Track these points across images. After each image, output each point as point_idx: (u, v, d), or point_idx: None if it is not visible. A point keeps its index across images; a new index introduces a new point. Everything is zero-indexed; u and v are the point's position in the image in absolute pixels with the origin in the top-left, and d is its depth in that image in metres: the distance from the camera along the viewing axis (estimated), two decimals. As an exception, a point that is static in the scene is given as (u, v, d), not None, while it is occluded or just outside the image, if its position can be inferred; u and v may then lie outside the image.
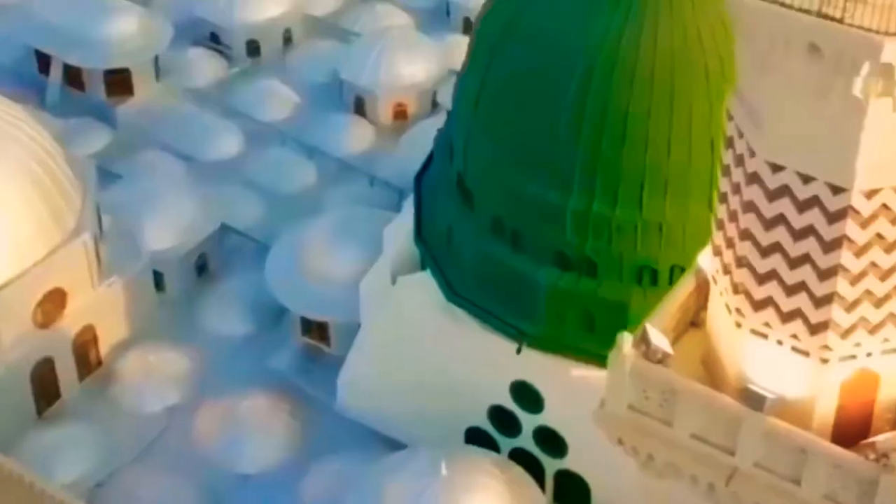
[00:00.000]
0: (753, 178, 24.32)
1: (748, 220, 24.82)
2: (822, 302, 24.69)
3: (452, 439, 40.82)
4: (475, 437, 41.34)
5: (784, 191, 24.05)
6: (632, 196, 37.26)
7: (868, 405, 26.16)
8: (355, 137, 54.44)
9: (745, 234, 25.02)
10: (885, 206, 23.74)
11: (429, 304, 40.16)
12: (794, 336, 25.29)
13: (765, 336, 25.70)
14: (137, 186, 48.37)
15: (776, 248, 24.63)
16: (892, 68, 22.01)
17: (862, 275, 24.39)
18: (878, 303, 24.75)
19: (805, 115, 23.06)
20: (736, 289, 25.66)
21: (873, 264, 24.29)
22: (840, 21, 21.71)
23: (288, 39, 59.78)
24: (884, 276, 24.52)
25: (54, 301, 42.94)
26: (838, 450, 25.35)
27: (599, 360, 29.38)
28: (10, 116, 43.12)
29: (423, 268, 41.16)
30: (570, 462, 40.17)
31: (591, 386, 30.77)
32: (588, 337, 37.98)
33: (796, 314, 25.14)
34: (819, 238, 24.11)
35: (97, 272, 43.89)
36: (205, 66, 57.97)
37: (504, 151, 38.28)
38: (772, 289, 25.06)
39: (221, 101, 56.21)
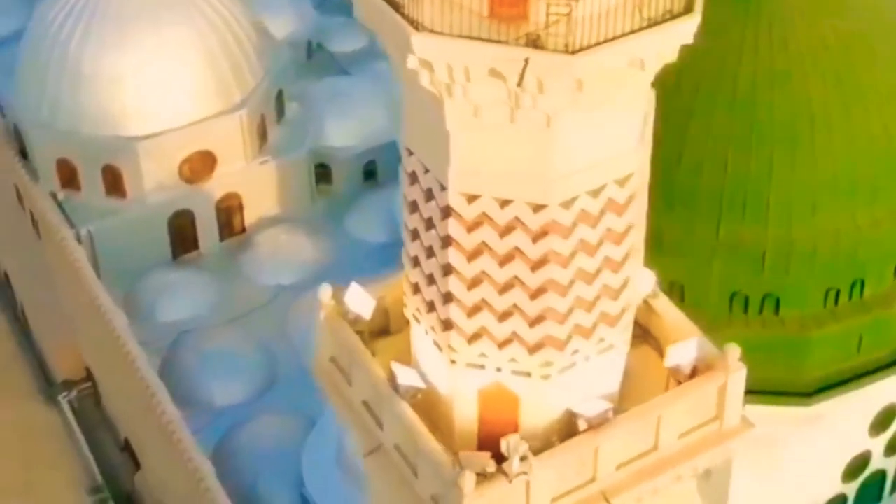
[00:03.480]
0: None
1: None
2: (446, 298, 24.12)
3: None
4: None
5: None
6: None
7: (512, 426, 25.12)
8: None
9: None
10: (485, 214, 22.87)
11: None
12: (433, 328, 24.85)
13: (417, 320, 25.41)
14: (337, 82, 51.51)
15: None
16: (582, 83, 20.77)
17: (476, 281, 23.59)
18: (501, 317, 23.79)
19: (492, 140, 21.92)
20: None
21: (485, 273, 23.43)
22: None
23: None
24: (501, 291, 23.56)
25: (203, 162, 47.39)
26: (435, 448, 24.63)
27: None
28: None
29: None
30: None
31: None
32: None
33: (432, 306, 24.70)
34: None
35: (252, 148, 47.76)
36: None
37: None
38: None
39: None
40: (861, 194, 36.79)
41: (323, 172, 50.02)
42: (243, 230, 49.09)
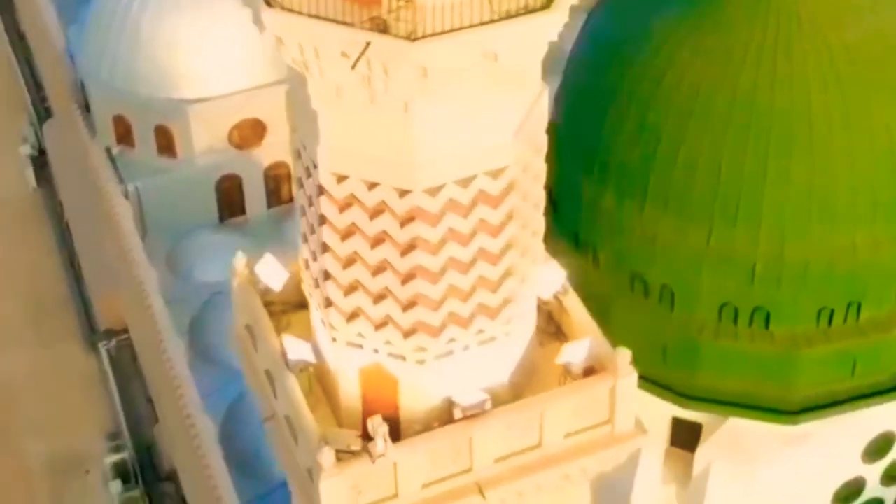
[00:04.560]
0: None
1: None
2: (325, 276, 24.53)
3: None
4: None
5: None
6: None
7: (393, 409, 25.42)
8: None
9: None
10: (354, 195, 23.19)
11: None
12: (319, 304, 25.26)
13: (309, 295, 25.84)
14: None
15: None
16: (426, 70, 21.09)
17: (350, 261, 23.93)
18: (376, 299, 24.11)
19: (357, 121, 22.33)
20: None
21: (358, 254, 23.75)
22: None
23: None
24: (374, 273, 23.86)
25: (253, 129, 48.35)
26: (308, 422, 25.05)
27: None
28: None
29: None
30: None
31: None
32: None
33: (317, 283, 25.09)
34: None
35: (303, 120, 48.51)
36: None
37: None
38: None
39: None
40: (860, 213, 35.80)
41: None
42: (291, 200, 49.83)
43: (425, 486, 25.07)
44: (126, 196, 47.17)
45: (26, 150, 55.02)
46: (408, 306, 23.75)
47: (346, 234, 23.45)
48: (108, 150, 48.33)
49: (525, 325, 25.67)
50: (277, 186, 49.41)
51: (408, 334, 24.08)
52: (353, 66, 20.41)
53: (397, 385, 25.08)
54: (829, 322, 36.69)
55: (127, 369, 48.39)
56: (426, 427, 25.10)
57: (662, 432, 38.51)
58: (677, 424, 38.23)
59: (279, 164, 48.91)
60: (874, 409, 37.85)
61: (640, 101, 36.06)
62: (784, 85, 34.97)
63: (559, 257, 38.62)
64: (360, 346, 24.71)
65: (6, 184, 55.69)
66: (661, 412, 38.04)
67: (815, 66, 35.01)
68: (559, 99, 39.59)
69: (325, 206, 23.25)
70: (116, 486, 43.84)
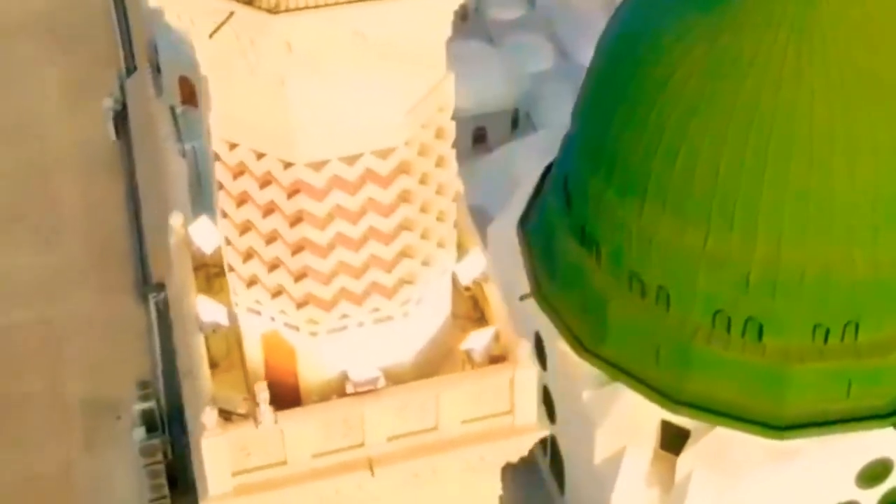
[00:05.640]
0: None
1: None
2: (227, 242, 25.06)
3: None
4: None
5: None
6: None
7: (293, 378, 25.87)
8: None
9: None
10: (244, 163, 23.62)
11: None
12: (227, 268, 25.78)
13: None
14: (465, 45, 52.20)
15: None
16: (290, 45, 21.45)
17: (245, 229, 24.40)
18: (270, 268, 24.54)
19: (241, 90, 22.69)
20: None
21: (251, 222, 24.20)
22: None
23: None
24: (267, 242, 24.28)
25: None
26: (203, 383, 25.61)
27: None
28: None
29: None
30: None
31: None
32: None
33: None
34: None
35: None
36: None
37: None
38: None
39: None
40: (860, 231, 35.05)
41: (434, 128, 50.84)
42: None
43: (315, 457, 25.38)
44: (183, 155, 48.28)
45: (108, 103, 56.67)
46: (299, 277, 24.09)
47: (240, 202, 23.90)
48: (172, 109, 49.51)
49: (433, 308, 25.76)
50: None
51: (300, 305, 24.43)
52: (211, 36, 20.80)
53: (294, 354, 25.41)
54: (825, 340, 36.00)
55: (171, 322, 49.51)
56: (323, 398, 25.42)
57: (651, 435, 38.22)
58: (667, 428, 37.90)
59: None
60: (870, 434, 36.93)
61: (646, 101, 35.96)
62: (787, 92, 34.53)
63: (567, 253, 38.85)
64: (259, 313, 25.11)
65: (93, 134, 57.51)
66: (651, 414, 37.83)
67: (822, 77, 34.48)
68: (578, 100, 39.71)
69: (220, 173, 23.76)
70: (140, 432, 45.03)
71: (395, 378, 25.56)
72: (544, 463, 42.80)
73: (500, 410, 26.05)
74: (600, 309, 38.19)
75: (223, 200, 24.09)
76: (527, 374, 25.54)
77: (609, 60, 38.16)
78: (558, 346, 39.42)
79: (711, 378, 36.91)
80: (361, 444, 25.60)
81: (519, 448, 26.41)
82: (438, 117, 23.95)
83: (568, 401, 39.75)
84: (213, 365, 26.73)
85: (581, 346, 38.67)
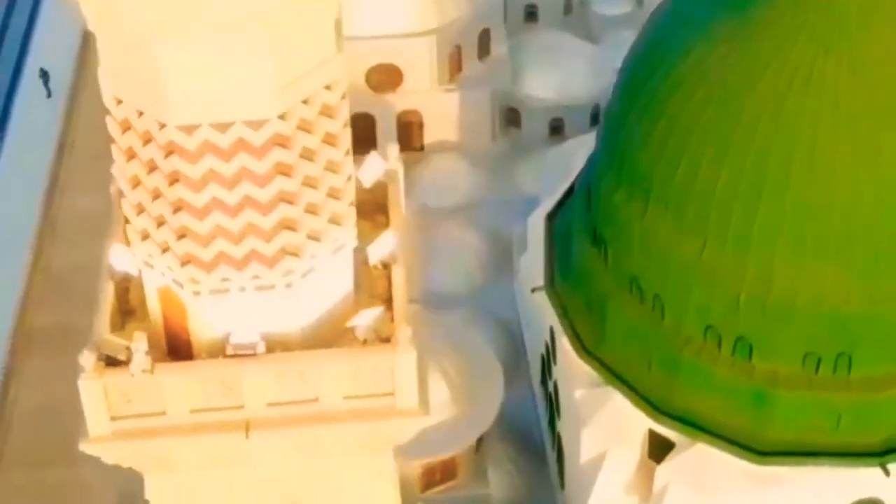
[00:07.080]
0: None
1: None
2: (120, 194, 25.93)
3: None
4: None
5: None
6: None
7: (185, 332, 26.58)
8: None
9: None
10: (127, 118, 24.37)
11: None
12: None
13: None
14: (553, 36, 52.05)
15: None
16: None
17: (135, 182, 25.16)
18: (157, 224, 25.26)
19: (121, 48, 23.25)
20: None
21: (138, 178, 24.96)
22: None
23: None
24: (152, 198, 25.01)
25: (389, 75, 49.90)
26: (99, 329, 26.48)
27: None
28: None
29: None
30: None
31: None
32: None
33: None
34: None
35: (442, 74, 49.64)
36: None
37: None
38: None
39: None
40: (857, 263, 33.88)
41: (513, 116, 50.98)
42: (422, 148, 51.15)
43: (194, 412, 26.01)
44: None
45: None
46: (180, 236, 24.72)
47: (129, 157, 24.67)
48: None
49: (327, 283, 26.05)
50: (409, 133, 50.63)
51: (183, 264, 25.06)
52: None
53: (185, 311, 26.09)
54: (816, 369, 35.07)
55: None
56: (211, 356, 26.04)
57: (638, 442, 37.79)
58: (654, 437, 37.47)
59: (411, 112, 50.20)
60: (859, 472, 35.78)
61: (656, 107, 35.55)
62: (791, 114, 33.58)
63: (580, 252, 38.54)
64: (152, 267, 25.87)
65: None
66: (638, 422, 37.41)
67: (830, 101, 33.31)
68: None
69: (111, 127, 24.54)
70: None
71: (282, 346, 25.95)
72: (552, 457, 42.60)
73: (383, 391, 26.19)
74: (601, 310, 37.86)
75: (116, 154, 24.89)
76: (405, 357, 25.62)
77: (629, 66, 37.82)
78: (562, 342, 39.21)
79: (698, 392, 36.25)
80: (241, 407, 26.09)
81: (403, 431, 26.53)
82: (325, 94, 24.17)
83: (566, 397, 39.56)
84: (130, 313, 27.60)
85: (581, 345, 38.41)
